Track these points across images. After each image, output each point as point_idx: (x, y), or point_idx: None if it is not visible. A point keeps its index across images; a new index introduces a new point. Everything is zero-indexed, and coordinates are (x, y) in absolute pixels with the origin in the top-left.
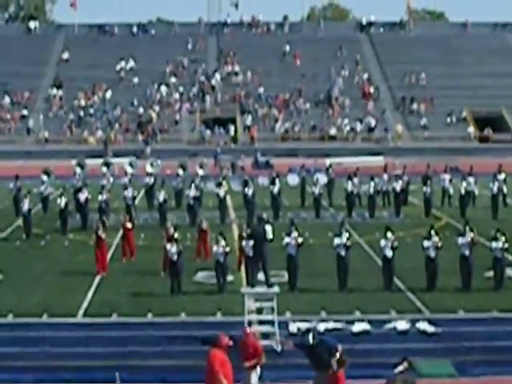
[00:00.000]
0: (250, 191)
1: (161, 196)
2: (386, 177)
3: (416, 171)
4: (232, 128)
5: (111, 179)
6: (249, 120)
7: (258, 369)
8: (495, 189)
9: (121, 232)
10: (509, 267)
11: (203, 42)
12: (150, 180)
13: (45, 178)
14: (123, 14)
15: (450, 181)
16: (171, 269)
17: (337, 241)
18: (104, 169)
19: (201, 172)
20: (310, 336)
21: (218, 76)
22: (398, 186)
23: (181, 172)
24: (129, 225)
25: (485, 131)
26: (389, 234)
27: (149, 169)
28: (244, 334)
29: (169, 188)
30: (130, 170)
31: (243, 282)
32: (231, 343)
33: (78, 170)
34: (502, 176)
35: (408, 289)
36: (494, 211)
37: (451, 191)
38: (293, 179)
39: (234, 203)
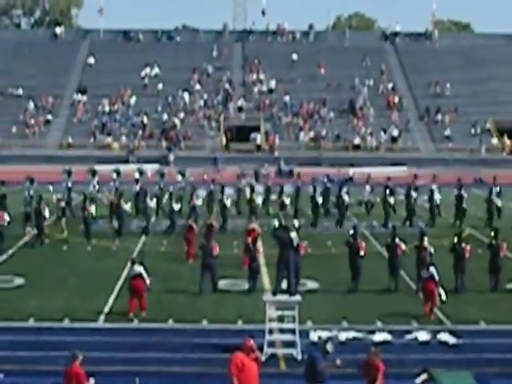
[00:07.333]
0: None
1: (199, 201)
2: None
3: (441, 182)
4: (258, 136)
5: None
6: (271, 128)
7: None
8: None
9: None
10: None
11: (228, 50)
12: (136, 187)
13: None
14: (149, 20)
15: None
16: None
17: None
18: (136, 175)
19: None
20: (329, 345)
21: (242, 84)
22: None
23: (179, 179)
24: (193, 225)
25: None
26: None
27: (136, 175)
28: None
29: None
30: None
31: (265, 289)
32: (254, 346)
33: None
34: None
35: None
36: None
37: None
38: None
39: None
